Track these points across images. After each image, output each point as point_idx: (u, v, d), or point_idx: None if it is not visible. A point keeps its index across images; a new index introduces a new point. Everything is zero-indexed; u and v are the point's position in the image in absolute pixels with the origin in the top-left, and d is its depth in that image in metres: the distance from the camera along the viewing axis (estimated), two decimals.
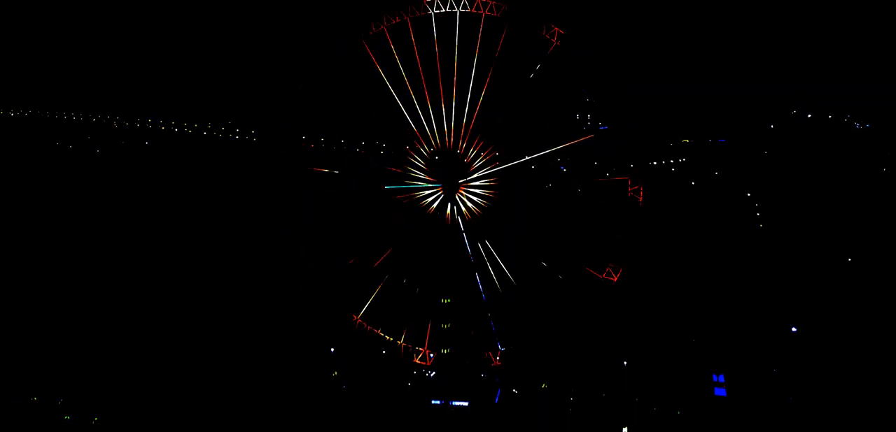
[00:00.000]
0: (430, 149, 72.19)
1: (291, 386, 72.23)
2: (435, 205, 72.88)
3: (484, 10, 68.45)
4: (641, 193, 64.87)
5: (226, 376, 72.81)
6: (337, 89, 71.70)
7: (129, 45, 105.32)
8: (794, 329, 73.21)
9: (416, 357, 70.72)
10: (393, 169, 72.49)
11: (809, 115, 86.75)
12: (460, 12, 69.13)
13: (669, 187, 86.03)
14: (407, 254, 73.41)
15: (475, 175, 72.32)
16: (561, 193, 74.24)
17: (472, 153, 71.28)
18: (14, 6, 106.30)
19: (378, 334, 72.14)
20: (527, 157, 72.43)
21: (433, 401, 70.59)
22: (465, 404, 70.30)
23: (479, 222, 73.09)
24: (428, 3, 68.79)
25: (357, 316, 72.36)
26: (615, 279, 66.26)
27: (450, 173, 72.15)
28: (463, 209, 72.48)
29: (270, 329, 79.40)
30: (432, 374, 73.62)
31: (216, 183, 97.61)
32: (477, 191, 71.77)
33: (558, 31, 67.34)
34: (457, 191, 72.71)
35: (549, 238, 72.97)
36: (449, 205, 73.01)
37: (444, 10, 69.01)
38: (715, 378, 68.74)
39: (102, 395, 70.22)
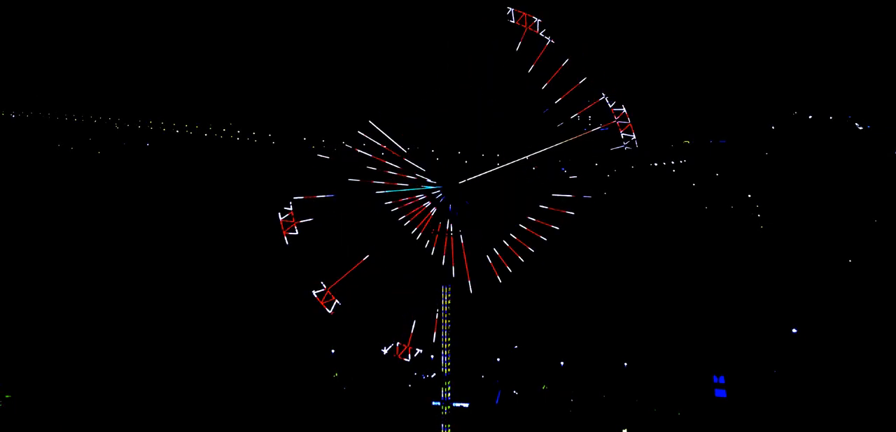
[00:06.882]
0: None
1: (291, 387, 72.30)
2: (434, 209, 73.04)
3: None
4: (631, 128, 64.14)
5: (226, 376, 72.91)
6: (336, 88, 71.80)
7: (129, 45, 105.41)
8: (794, 330, 73.16)
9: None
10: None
11: (810, 115, 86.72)
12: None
13: (669, 187, 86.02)
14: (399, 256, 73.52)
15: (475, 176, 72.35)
16: (561, 192, 74.17)
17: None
18: (14, 6, 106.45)
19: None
20: (526, 156, 72.39)
21: (433, 402, 70.59)
22: (466, 405, 70.31)
23: (477, 222, 73.08)
24: None
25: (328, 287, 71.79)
26: None
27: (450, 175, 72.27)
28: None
29: (271, 329, 79.48)
30: (432, 375, 73.65)
31: (217, 183, 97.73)
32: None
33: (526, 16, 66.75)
34: (457, 191, 72.68)
35: (549, 237, 72.98)
36: (450, 206, 73.02)
37: None
38: (715, 378, 68.70)
39: (102, 395, 70.34)
